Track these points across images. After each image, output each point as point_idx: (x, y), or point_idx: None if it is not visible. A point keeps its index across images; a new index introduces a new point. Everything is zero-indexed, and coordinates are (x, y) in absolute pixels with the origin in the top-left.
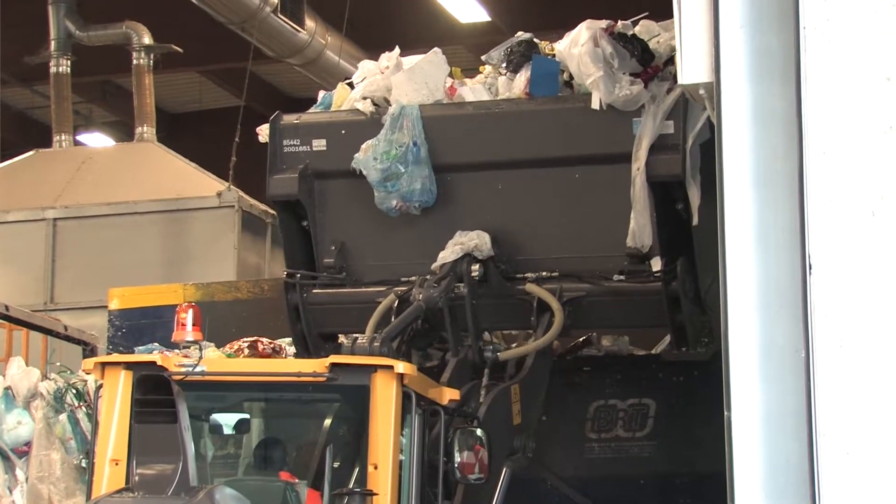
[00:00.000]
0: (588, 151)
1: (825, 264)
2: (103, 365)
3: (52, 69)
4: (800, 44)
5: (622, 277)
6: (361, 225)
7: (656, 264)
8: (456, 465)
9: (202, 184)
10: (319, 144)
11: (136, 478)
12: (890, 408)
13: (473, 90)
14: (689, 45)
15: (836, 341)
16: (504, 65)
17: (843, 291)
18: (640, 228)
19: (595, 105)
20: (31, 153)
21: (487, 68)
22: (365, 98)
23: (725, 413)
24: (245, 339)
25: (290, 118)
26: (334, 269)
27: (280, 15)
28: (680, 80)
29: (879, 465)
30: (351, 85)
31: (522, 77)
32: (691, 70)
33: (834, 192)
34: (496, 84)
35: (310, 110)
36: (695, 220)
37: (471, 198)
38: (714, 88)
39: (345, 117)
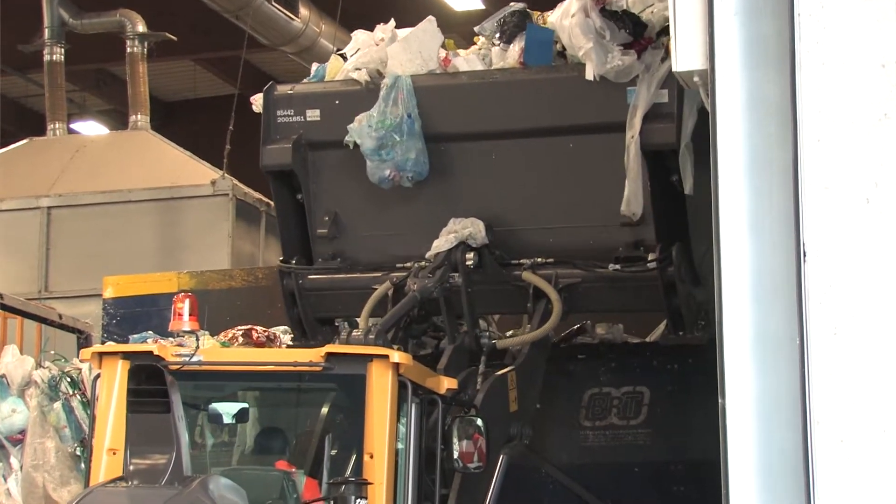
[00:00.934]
0: (582, 121)
1: (820, 252)
2: (101, 355)
3: (46, 57)
4: (794, 31)
5: (618, 267)
6: (355, 196)
7: (647, 232)
8: (455, 454)
9: (196, 172)
10: (313, 115)
11: (131, 467)
12: (884, 395)
13: (468, 60)
14: (683, 33)
15: (831, 329)
16: (497, 35)
17: (837, 279)
18: (633, 196)
19: (589, 76)
20: (25, 141)
21: (481, 39)
22: (359, 69)
23: (720, 401)
24: (239, 328)
25: (283, 88)
26: (327, 239)
27: (274, 3)
28: (674, 68)
29: (874, 453)
30: (343, 57)
31: (516, 47)
32: (685, 57)
33: (829, 180)
34: (490, 55)
35: (303, 81)
36: (687, 189)
37: (464, 169)
38: (708, 76)
39: (339, 88)
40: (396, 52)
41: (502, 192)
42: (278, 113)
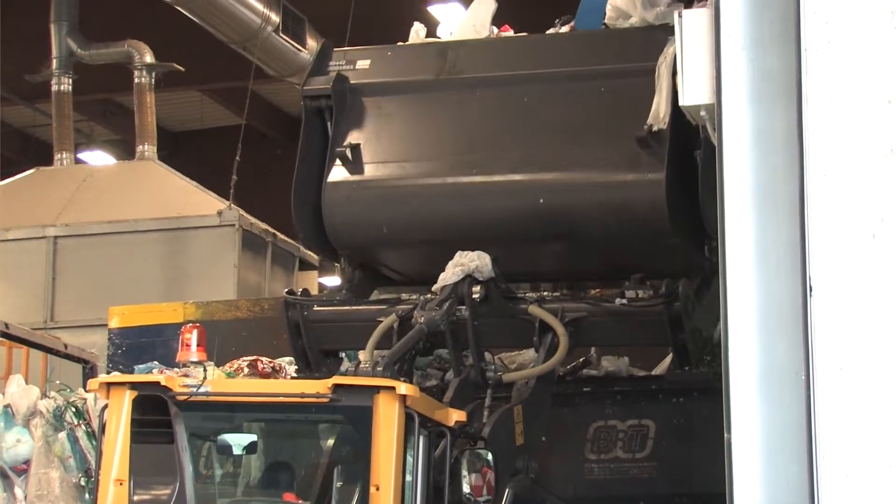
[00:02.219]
0: (620, 65)
1: (826, 286)
2: (108, 385)
3: (54, 87)
4: (801, 66)
5: (624, 301)
6: (380, 138)
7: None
8: (465, 487)
9: (203, 202)
10: (363, 63)
11: (135, 498)
12: (890, 431)
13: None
14: (690, 67)
15: (837, 364)
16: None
17: (843, 313)
18: (660, 106)
19: (634, 20)
20: (32, 171)
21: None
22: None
23: (725, 435)
24: (245, 359)
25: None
26: (343, 159)
27: (282, 34)
28: (681, 102)
29: (879, 488)
30: None
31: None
32: (693, 91)
33: (835, 215)
34: None
35: None
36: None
37: (493, 111)
38: (715, 110)
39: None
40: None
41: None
42: (331, 64)
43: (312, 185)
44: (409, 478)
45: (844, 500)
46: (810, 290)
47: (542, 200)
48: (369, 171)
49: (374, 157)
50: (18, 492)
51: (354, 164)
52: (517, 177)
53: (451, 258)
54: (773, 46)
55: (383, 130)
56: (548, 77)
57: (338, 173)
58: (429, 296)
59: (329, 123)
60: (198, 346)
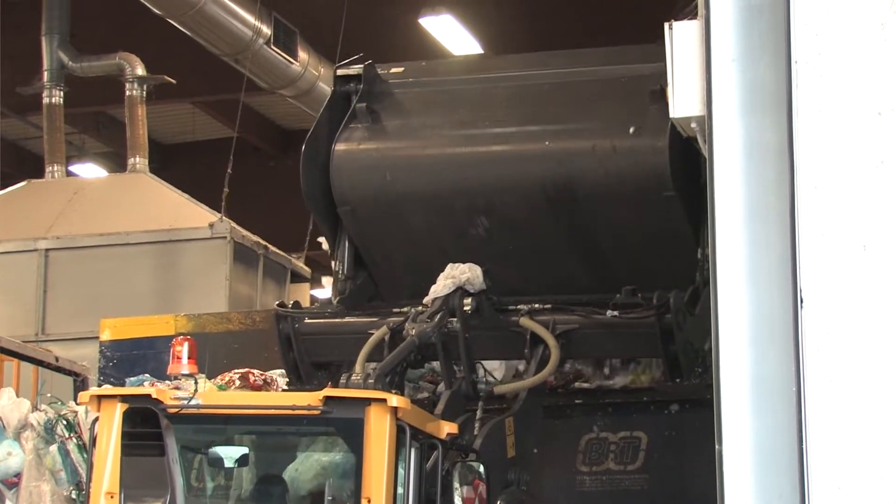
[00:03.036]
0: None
1: (817, 298)
2: (99, 398)
3: (45, 100)
4: (791, 78)
5: (615, 313)
6: (400, 113)
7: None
8: (456, 500)
9: (194, 215)
10: (397, 69)
11: None
12: (881, 442)
13: None
14: (680, 79)
15: (828, 375)
16: None
17: (834, 326)
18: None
19: None
20: (23, 183)
21: None
22: None
23: (717, 447)
24: (236, 371)
25: None
26: (360, 114)
27: (273, 47)
28: (672, 114)
29: (871, 499)
30: None
31: None
32: (683, 103)
33: (825, 226)
34: None
35: None
36: None
37: (511, 99)
38: (706, 122)
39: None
40: None
41: None
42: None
43: (324, 147)
44: (400, 490)
45: None
46: (801, 301)
47: (547, 142)
48: (383, 132)
49: (391, 125)
50: None
51: (370, 125)
52: (523, 145)
53: (451, 220)
54: (764, 58)
55: (404, 108)
56: (565, 76)
57: (352, 130)
58: (420, 308)
59: (353, 103)
60: (189, 358)
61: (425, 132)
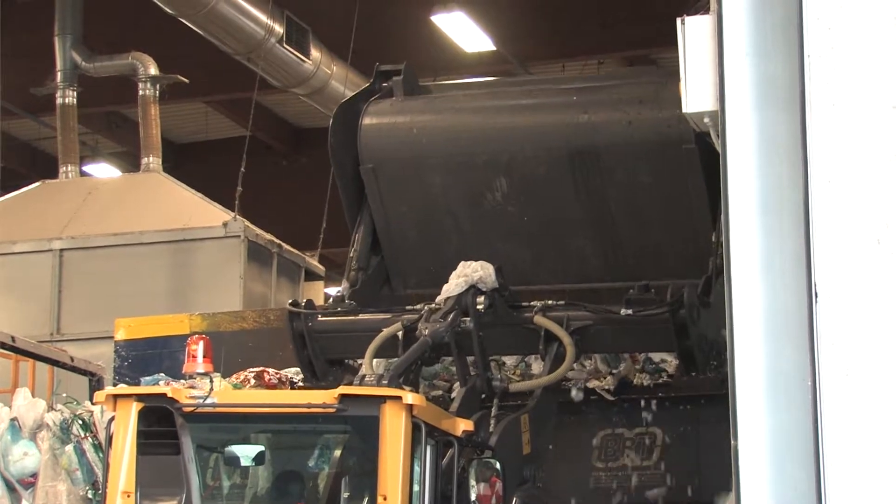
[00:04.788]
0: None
1: (831, 292)
2: (115, 397)
3: (59, 100)
4: (804, 72)
5: (629, 311)
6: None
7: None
8: (472, 497)
9: (208, 214)
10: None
11: None
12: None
13: None
14: (693, 74)
15: (843, 370)
16: None
17: (849, 319)
18: None
19: None
20: (37, 184)
21: None
22: None
23: (732, 442)
24: (251, 370)
25: None
26: (395, 85)
27: (285, 45)
28: (685, 109)
29: (887, 493)
30: None
31: None
32: (696, 98)
33: (840, 220)
34: None
35: None
36: None
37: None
38: (719, 116)
39: None
40: None
41: None
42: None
43: (356, 111)
44: (416, 487)
45: None
46: (816, 295)
47: (574, 97)
48: (415, 103)
49: (423, 100)
50: None
51: (404, 99)
52: (549, 98)
53: (470, 179)
54: (776, 52)
55: (437, 94)
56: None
57: (387, 100)
58: (433, 306)
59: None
60: (204, 357)
61: (455, 101)
